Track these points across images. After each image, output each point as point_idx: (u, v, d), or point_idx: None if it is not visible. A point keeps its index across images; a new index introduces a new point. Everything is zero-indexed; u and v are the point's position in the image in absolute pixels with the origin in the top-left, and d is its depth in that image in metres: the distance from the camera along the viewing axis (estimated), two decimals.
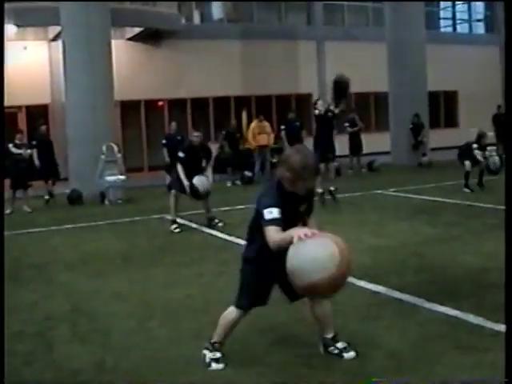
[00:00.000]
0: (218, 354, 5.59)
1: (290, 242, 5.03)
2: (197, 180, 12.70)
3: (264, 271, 5.48)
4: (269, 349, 5.85)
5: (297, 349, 5.87)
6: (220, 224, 13.22)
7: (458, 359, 5.50)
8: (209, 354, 5.59)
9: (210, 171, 13.25)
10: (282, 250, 5.11)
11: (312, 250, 4.93)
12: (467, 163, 16.62)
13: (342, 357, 5.65)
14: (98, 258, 10.70)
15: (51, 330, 6.88)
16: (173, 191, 13.18)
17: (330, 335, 5.75)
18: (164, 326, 6.85)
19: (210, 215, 13.41)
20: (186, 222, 13.53)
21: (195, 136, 13.13)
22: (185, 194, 13.02)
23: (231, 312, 5.63)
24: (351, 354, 5.68)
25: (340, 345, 5.72)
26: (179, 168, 12.83)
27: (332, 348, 5.73)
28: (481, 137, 17.00)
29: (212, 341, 5.65)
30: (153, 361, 5.82)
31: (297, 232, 5.03)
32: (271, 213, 5.21)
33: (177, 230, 12.89)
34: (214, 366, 5.53)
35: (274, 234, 5.17)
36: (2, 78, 18.08)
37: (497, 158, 17.29)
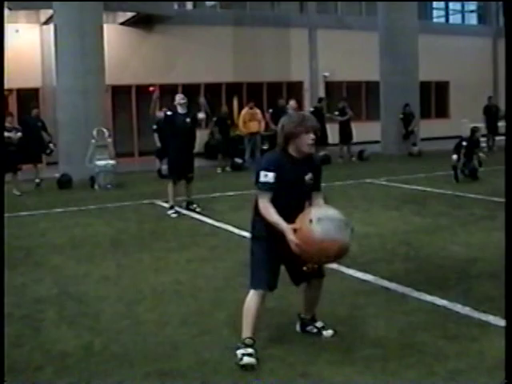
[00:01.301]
0: (250, 350, 5.37)
1: (279, 231, 5.14)
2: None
3: (273, 247, 5.45)
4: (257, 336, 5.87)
5: (281, 338, 5.90)
6: (198, 209, 13.31)
7: (444, 348, 5.54)
8: (240, 351, 5.37)
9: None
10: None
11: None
12: (454, 156, 16.69)
13: (322, 334, 5.81)
14: (87, 242, 10.70)
15: (40, 312, 6.89)
16: (171, 178, 13.22)
17: (309, 316, 5.87)
18: (152, 310, 6.87)
19: (189, 199, 13.54)
20: (177, 208, 13.54)
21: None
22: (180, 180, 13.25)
23: (250, 298, 5.50)
24: (330, 332, 5.86)
25: (319, 324, 5.87)
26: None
27: (311, 327, 5.89)
28: (474, 132, 17.12)
29: (242, 338, 5.46)
30: (141, 345, 5.84)
31: (289, 232, 5.14)
32: (266, 176, 5.27)
33: (174, 216, 12.92)
34: (246, 359, 5.30)
35: (265, 205, 5.28)
36: (2, 73, 18.03)
37: (476, 163, 17.12)
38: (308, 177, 5.51)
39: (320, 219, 5.13)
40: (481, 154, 17.22)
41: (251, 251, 5.62)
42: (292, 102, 15.60)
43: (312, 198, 5.60)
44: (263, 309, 5.57)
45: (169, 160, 13.45)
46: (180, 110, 13.16)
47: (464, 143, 16.85)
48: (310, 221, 5.11)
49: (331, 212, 5.33)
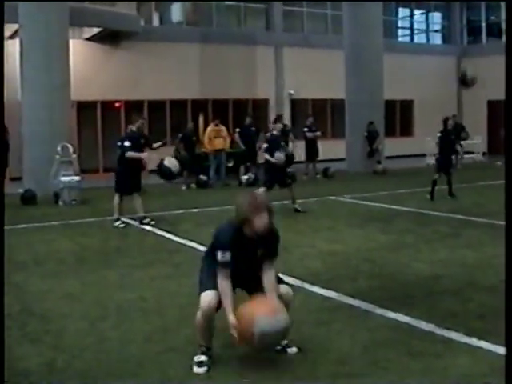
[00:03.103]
0: (202, 358, 5.62)
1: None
2: (168, 161, 13.29)
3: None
4: (219, 351, 5.85)
5: (246, 352, 5.89)
6: (152, 222, 13.62)
7: (408, 364, 5.56)
8: (194, 358, 5.64)
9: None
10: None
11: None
12: (436, 175, 16.48)
13: (286, 352, 5.83)
14: (51, 258, 10.61)
15: None
16: (117, 193, 13.68)
17: None
18: (116, 327, 6.82)
19: (142, 215, 13.79)
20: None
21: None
22: (129, 196, 13.67)
23: (198, 311, 5.67)
24: (294, 350, 5.90)
25: (283, 341, 5.85)
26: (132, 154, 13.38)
27: None
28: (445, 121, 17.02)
29: (199, 344, 5.75)
30: (105, 362, 5.80)
31: (232, 323, 5.46)
32: (224, 256, 5.57)
33: (121, 226, 13.34)
34: (195, 369, 5.56)
35: (223, 283, 5.57)
36: (2, 77, 17.90)
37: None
38: (261, 251, 5.73)
39: (263, 335, 5.36)
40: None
41: (204, 261, 5.90)
42: (278, 125, 15.75)
43: (263, 270, 5.75)
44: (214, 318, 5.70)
45: (124, 177, 13.61)
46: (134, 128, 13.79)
47: (438, 134, 16.87)
48: (252, 334, 5.36)
49: (277, 326, 5.46)
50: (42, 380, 5.46)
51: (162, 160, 13.59)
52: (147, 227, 13.32)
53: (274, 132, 15.48)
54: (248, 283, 5.83)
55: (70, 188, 18.05)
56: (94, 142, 26.51)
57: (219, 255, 5.57)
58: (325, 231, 12.57)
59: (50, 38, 19.26)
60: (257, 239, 5.58)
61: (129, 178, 13.47)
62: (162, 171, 13.55)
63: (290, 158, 15.63)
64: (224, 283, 5.57)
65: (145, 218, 13.75)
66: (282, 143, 15.69)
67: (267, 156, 14.83)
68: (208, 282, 5.66)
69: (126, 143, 13.33)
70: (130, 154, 13.27)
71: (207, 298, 5.56)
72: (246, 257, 5.64)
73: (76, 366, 5.74)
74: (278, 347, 5.87)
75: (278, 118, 24.16)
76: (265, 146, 15.12)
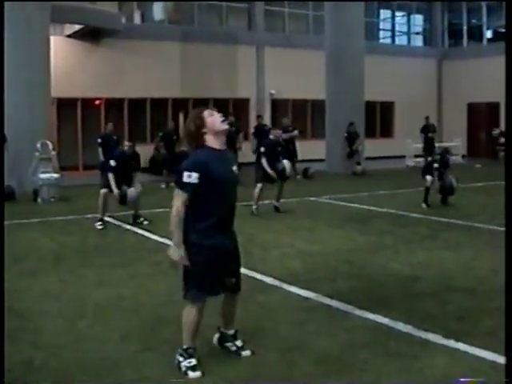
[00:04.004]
0: (194, 361, 5.43)
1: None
2: (129, 194, 13.24)
3: (212, 252, 5.40)
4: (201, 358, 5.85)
5: (223, 352, 5.90)
6: (145, 222, 13.51)
7: (385, 365, 5.58)
8: (184, 363, 5.43)
9: (137, 180, 13.90)
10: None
11: None
12: (428, 178, 15.82)
13: (240, 355, 5.80)
14: (29, 256, 10.56)
15: None
16: (102, 190, 13.45)
17: (231, 331, 5.88)
18: (94, 325, 6.81)
19: (137, 213, 13.74)
20: (119, 223, 13.49)
21: (127, 146, 13.60)
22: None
23: (189, 310, 5.46)
24: (248, 352, 5.83)
25: (239, 343, 5.84)
26: (110, 176, 13.22)
27: (230, 344, 5.86)
28: (444, 153, 16.56)
29: (184, 347, 5.50)
30: (81, 361, 5.78)
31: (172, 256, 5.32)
32: (190, 177, 5.29)
33: (100, 227, 13.15)
34: (192, 374, 5.37)
35: (179, 207, 5.36)
36: (2, 78, 17.77)
37: (453, 180, 16.22)
38: (235, 167, 5.59)
39: None
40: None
41: (190, 259, 5.43)
42: (277, 131, 15.73)
43: None
44: (202, 317, 5.57)
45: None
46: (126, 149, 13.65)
47: (435, 165, 15.93)
48: None
49: None
50: (18, 378, 5.43)
51: (126, 191, 13.41)
52: (127, 226, 13.29)
53: (272, 137, 15.40)
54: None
55: (49, 185, 17.98)
56: (73, 139, 26.40)
57: (185, 175, 5.28)
58: (304, 231, 12.59)
59: (30, 34, 19.18)
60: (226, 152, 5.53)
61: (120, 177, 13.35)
62: (121, 197, 13.36)
63: (282, 173, 15.27)
64: (180, 209, 5.36)
65: (138, 216, 13.71)
66: (279, 148, 15.41)
67: (264, 163, 14.73)
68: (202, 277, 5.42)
69: (112, 163, 13.25)
70: (110, 176, 13.22)
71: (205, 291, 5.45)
72: (223, 176, 5.41)
73: (53, 364, 5.72)
74: (233, 348, 5.84)
75: (258, 118, 24.15)
76: (262, 149, 15.03)
